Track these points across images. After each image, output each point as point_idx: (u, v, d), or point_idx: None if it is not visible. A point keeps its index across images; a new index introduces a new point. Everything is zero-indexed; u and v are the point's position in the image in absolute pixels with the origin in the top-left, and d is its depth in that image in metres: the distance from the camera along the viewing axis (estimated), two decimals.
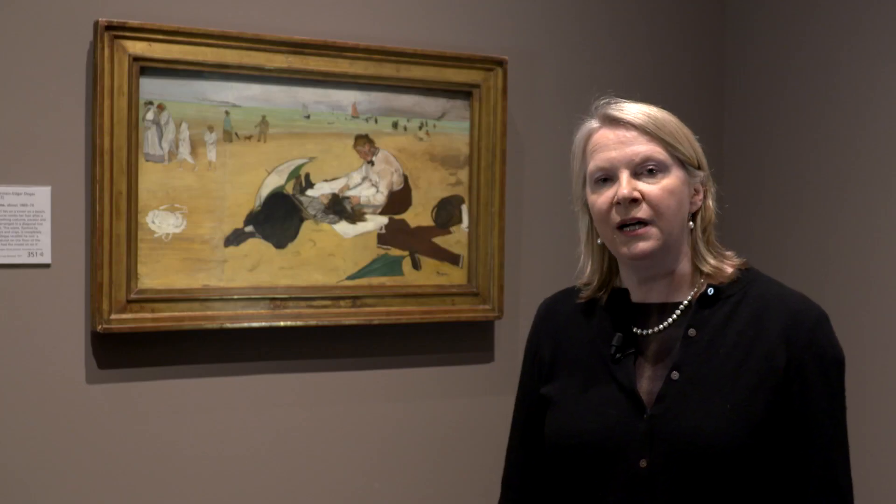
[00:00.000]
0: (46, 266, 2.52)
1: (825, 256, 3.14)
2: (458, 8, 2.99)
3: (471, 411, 3.01)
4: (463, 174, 2.96)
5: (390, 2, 2.90)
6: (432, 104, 2.92)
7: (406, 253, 2.90)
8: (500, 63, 2.96)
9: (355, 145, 2.82)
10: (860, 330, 3.02)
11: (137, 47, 2.55)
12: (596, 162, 1.78)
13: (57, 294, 2.53)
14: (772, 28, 3.32)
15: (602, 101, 1.84)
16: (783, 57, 3.28)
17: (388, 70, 2.83)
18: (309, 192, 2.77)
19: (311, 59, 2.74)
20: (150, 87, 2.58)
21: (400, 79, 2.85)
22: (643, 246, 1.74)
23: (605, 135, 1.79)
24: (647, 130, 1.76)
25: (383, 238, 2.87)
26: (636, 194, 1.74)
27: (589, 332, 1.85)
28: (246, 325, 2.69)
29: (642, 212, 1.74)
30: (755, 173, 3.35)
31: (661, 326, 1.79)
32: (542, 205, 3.10)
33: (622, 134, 1.77)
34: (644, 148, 1.76)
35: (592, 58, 3.18)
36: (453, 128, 2.95)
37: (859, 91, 3.07)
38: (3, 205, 2.47)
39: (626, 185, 1.74)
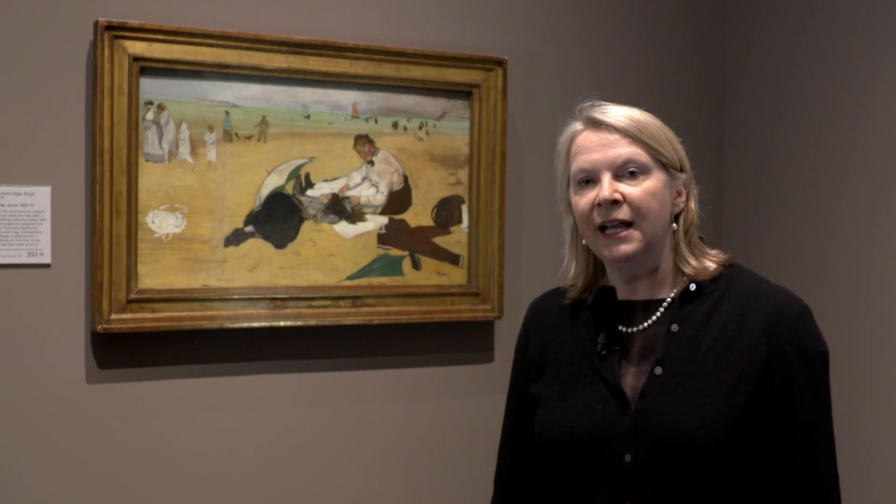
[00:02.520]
0: (46, 266, 2.52)
1: (825, 256, 3.14)
2: (458, 8, 2.99)
3: (471, 411, 3.01)
4: (463, 174, 2.96)
5: (390, 2, 2.90)
6: (432, 104, 2.92)
7: (406, 253, 2.90)
8: (500, 63, 2.96)
9: (355, 145, 2.82)
10: (860, 328, 3.02)
11: (137, 47, 2.55)
12: (578, 164, 1.81)
13: (57, 294, 2.53)
14: (772, 28, 3.32)
15: (586, 104, 1.86)
16: (783, 57, 3.28)
17: (388, 70, 2.83)
18: (309, 192, 2.77)
19: (311, 59, 2.74)
20: (150, 87, 2.58)
21: (400, 79, 2.85)
22: (625, 248, 1.77)
23: (588, 137, 1.82)
24: (629, 133, 1.79)
25: (383, 238, 2.87)
26: (617, 196, 1.76)
27: (576, 331, 1.88)
28: (246, 325, 2.69)
29: (623, 213, 1.77)
30: (755, 173, 3.35)
31: (646, 324, 1.82)
32: (542, 205, 3.09)
33: (604, 136, 1.80)
34: (626, 150, 1.78)
35: (592, 58, 3.18)
36: (453, 128, 2.95)
37: (859, 91, 3.07)
38: (3, 205, 2.47)
39: (607, 186, 1.77)
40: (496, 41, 3.03)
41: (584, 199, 1.80)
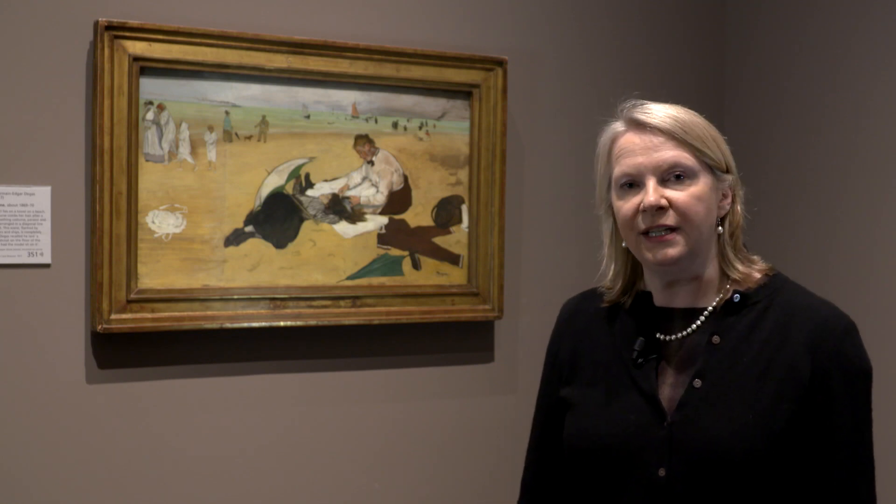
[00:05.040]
0: (46, 266, 2.52)
1: (825, 256, 3.14)
2: (458, 8, 2.99)
3: (471, 411, 3.01)
4: (463, 174, 2.96)
5: (390, 2, 2.90)
6: (432, 104, 2.92)
7: (406, 253, 2.90)
8: (500, 63, 2.96)
9: (355, 145, 2.82)
10: (860, 329, 3.01)
11: (137, 47, 2.55)
12: (622, 167, 1.74)
13: (57, 294, 2.53)
14: (772, 28, 3.32)
15: (628, 104, 1.79)
16: (783, 57, 3.28)
17: (388, 70, 2.83)
18: (309, 192, 2.77)
19: (311, 59, 2.74)
20: (150, 87, 2.58)
21: (400, 79, 2.85)
22: (670, 252, 1.71)
23: (631, 139, 1.75)
24: (674, 135, 1.73)
25: (383, 238, 2.87)
26: (663, 202, 1.70)
27: (611, 336, 1.82)
28: (246, 325, 2.69)
29: (669, 219, 1.70)
30: (755, 173, 3.34)
31: (685, 332, 1.76)
32: (542, 205, 3.10)
33: (649, 139, 1.73)
34: (671, 154, 1.72)
35: (592, 58, 3.18)
36: (453, 128, 2.94)
37: (859, 91, 3.07)
38: (3, 205, 2.47)
39: (652, 192, 1.70)
40: (496, 41, 3.03)
41: (627, 204, 1.73)
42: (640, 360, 1.75)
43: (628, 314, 1.82)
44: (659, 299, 1.80)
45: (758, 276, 1.77)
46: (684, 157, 1.72)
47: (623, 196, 1.75)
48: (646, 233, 1.71)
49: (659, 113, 1.75)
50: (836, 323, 1.72)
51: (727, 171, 1.78)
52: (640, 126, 1.75)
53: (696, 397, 1.70)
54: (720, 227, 1.77)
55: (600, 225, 1.86)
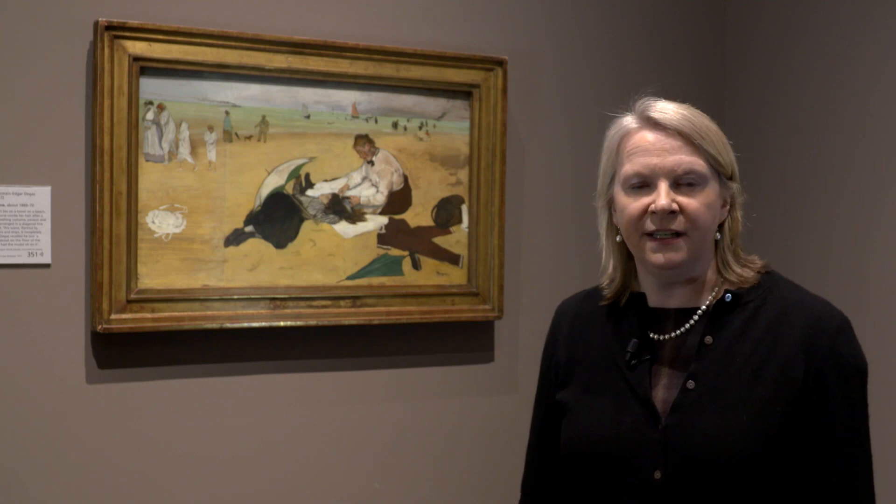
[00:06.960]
0: (46, 266, 2.52)
1: (825, 256, 3.14)
2: (458, 8, 2.99)
3: (471, 411, 3.01)
4: (463, 174, 2.96)
5: (390, 2, 2.90)
6: (432, 104, 2.92)
7: (406, 253, 2.90)
8: (500, 63, 2.96)
9: (355, 145, 2.82)
10: (859, 330, 3.01)
11: (137, 47, 2.55)
12: (634, 166, 1.72)
13: (57, 294, 2.53)
14: (772, 28, 3.32)
15: (643, 100, 1.77)
16: (783, 57, 3.28)
17: (388, 70, 2.83)
18: (309, 192, 2.77)
19: (311, 59, 2.74)
20: (150, 87, 2.58)
21: (400, 79, 2.85)
22: (673, 257, 1.70)
23: (646, 137, 1.72)
24: (692, 140, 1.71)
25: (383, 238, 2.87)
26: (675, 206, 1.69)
27: (605, 337, 1.81)
28: (246, 325, 2.69)
29: (678, 224, 1.69)
30: (755, 174, 3.34)
31: (678, 332, 1.75)
32: (542, 205, 3.10)
33: (665, 140, 1.71)
34: (687, 160, 1.70)
35: (592, 58, 3.18)
36: (453, 128, 2.94)
37: (859, 91, 3.07)
38: (3, 205, 2.47)
39: (664, 196, 1.68)
40: (496, 41, 3.03)
41: (636, 203, 1.71)
42: (633, 362, 1.75)
43: (622, 315, 1.81)
44: (653, 300, 1.79)
45: (752, 275, 1.76)
46: (699, 164, 1.71)
47: (631, 195, 1.72)
48: (651, 234, 1.70)
49: (676, 115, 1.73)
50: (830, 321, 1.71)
51: (731, 178, 1.77)
52: (655, 125, 1.73)
53: (689, 399, 1.69)
54: (718, 234, 1.76)
55: (597, 217, 1.84)
